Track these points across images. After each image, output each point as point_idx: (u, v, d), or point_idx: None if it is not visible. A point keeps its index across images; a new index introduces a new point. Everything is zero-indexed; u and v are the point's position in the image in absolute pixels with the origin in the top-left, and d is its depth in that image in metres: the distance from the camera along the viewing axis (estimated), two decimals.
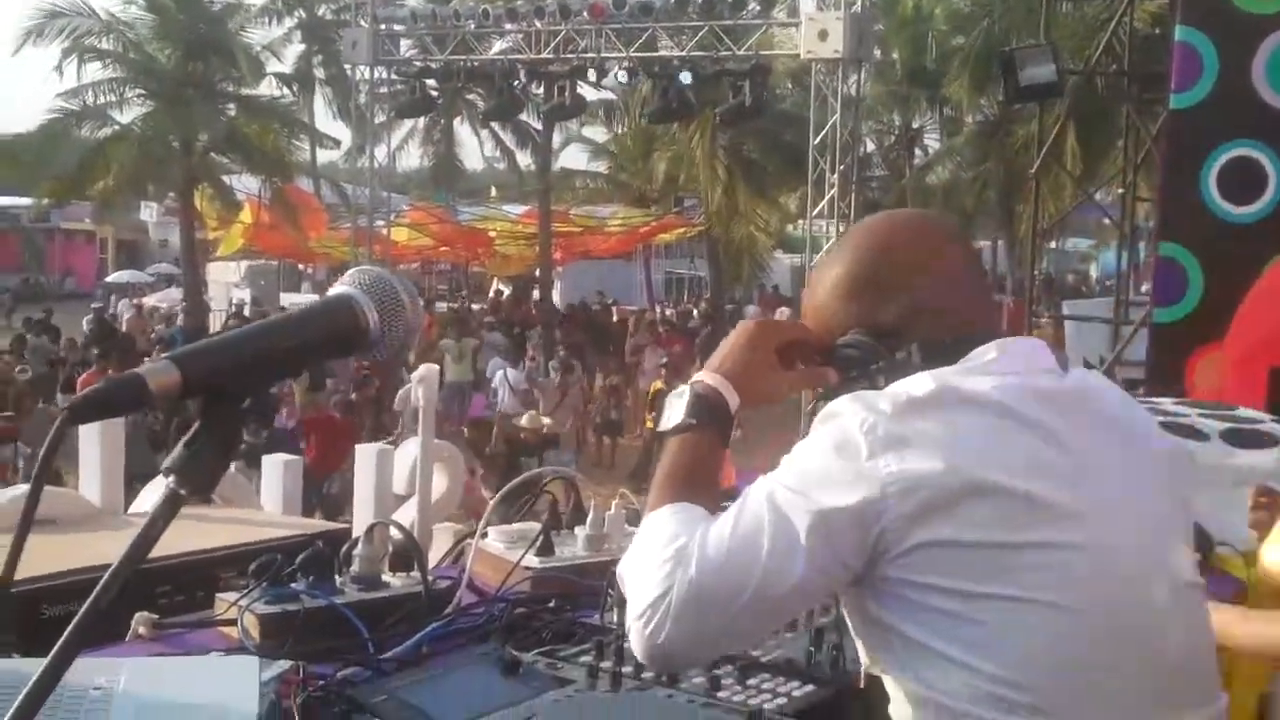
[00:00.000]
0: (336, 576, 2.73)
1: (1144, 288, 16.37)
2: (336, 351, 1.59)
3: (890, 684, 1.96)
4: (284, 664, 2.25)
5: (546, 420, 17.73)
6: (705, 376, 2.10)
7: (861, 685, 2.25)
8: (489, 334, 27.40)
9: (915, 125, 43.36)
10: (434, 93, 25.47)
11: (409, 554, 2.80)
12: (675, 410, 2.07)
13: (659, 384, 21.16)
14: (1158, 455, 2.07)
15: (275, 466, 5.02)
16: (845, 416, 1.87)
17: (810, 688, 2.24)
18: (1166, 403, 4.12)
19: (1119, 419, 2.04)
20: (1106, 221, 20.47)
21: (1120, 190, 14.95)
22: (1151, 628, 1.91)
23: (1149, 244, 15.78)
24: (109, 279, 47.65)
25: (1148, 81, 14.07)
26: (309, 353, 1.54)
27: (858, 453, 1.83)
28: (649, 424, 20.69)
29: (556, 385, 19.84)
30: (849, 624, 2.02)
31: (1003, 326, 2.16)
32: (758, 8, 20.74)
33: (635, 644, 1.85)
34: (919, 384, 1.90)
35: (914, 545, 1.82)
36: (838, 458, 1.85)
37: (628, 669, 2.25)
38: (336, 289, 1.57)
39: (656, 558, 1.86)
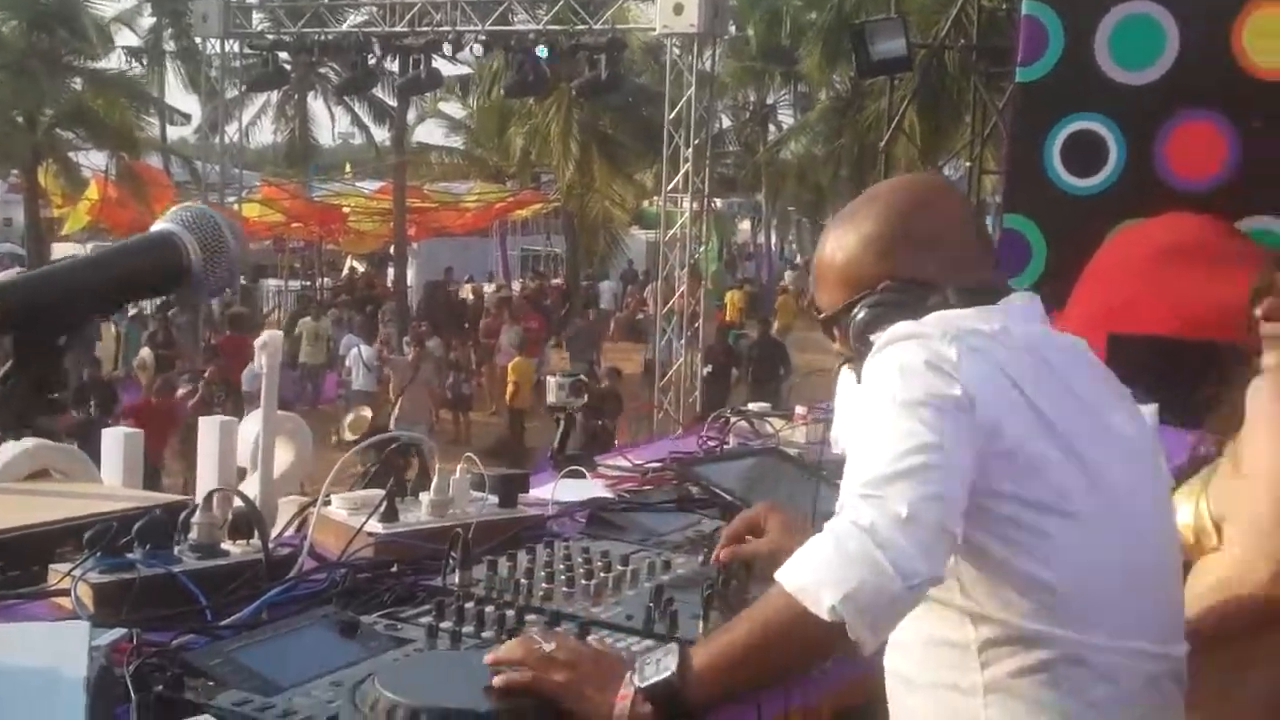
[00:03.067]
0: (175, 545, 2.69)
1: None
2: (157, 287, 1.56)
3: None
4: (117, 631, 2.21)
5: (366, 413, 17.76)
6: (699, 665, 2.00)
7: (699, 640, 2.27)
8: (345, 311, 27.14)
9: (770, 101, 43.76)
10: (287, 66, 25.09)
11: (249, 522, 2.76)
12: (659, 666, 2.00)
13: (517, 360, 21.13)
14: (1137, 410, 2.29)
15: (115, 440, 4.89)
16: (908, 349, 2.04)
17: (648, 643, 2.25)
18: None
19: (1106, 377, 2.28)
20: None
21: (968, 164, 15.19)
22: (1165, 562, 2.19)
23: (996, 217, 16.06)
24: None
25: (995, 55, 14.31)
26: (128, 287, 1.51)
27: (939, 366, 2.01)
28: (508, 401, 20.68)
29: (410, 361, 19.69)
30: None
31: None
32: None
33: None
34: (967, 317, 2.11)
35: (993, 452, 2.00)
36: (926, 372, 2.01)
37: (468, 628, 2.25)
38: (158, 225, 1.53)
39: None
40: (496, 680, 1.95)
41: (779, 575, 1.98)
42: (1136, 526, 2.11)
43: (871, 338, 2.15)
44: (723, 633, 2.03)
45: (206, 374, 18.26)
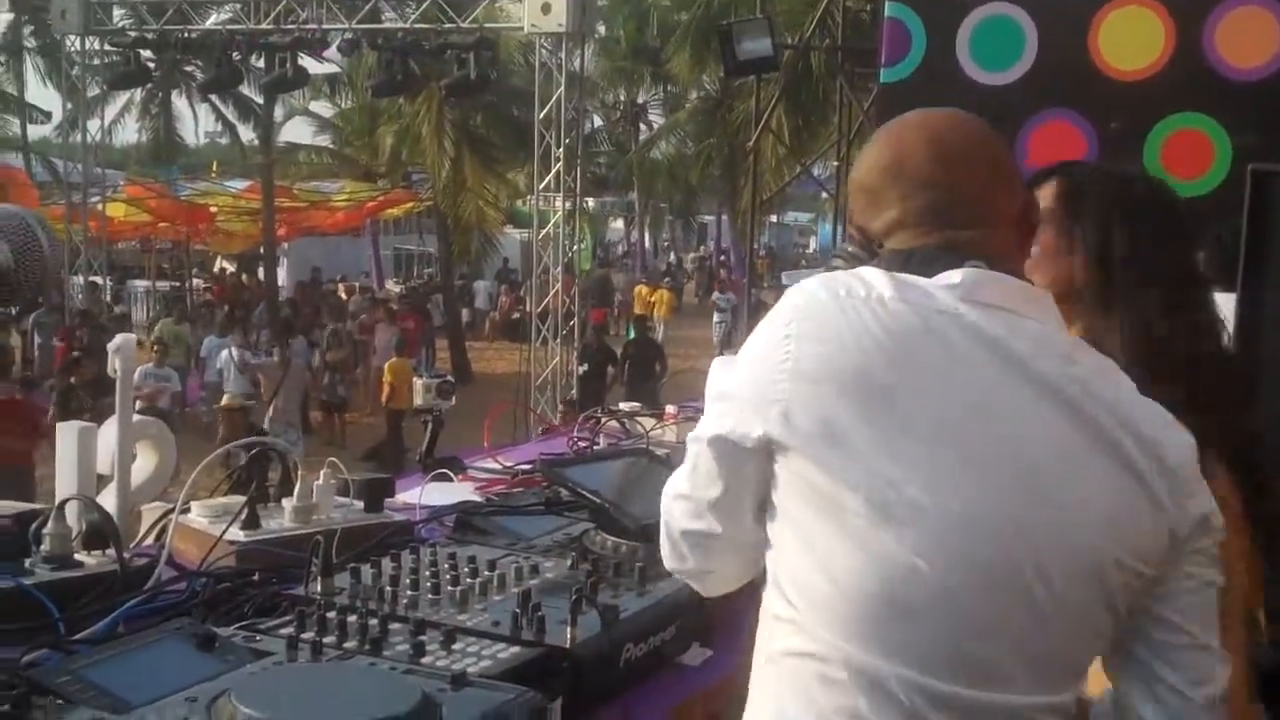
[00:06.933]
0: (26, 558, 2.61)
1: None
2: None
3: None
4: None
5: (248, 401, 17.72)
6: None
7: (568, 645, 2.25)
8: (211, 313, 26.70)
9: (640, 101, 43.90)
10: (150, 64, 24.62)
11: (104, 531, 2.69)
12: None
13: (393, 360, 20.93)
14: (1095, 451, 1.90)
15: None
16: (763, 326, 1.98)
17: (516, 649, 2.22)
18: None
19: (1056, 387, 1.91)
20: (825, 196, 21.00)
21: (835, 164, 15.33)
22: (981, 598, 1.84)
23: None
24: None
25: (860, 56, 14.44)
26: None
27: (774, 333, 1.94)
28: (384, 402, 20.46)
29: (278, 362, 19.41)
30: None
31: (1001, 245, 2.05)
32: None
33: None
34: (862, 277, 1.94)
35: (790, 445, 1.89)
36: (762, 338, 1.96)
37: (329, 639, 2.21)
38: None
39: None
40: None
41: None
42: (945, 544, 1.83)
43: None
44: None
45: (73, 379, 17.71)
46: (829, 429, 1.86)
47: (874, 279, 1.93)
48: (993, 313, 1.92)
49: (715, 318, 32.06)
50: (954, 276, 1.94)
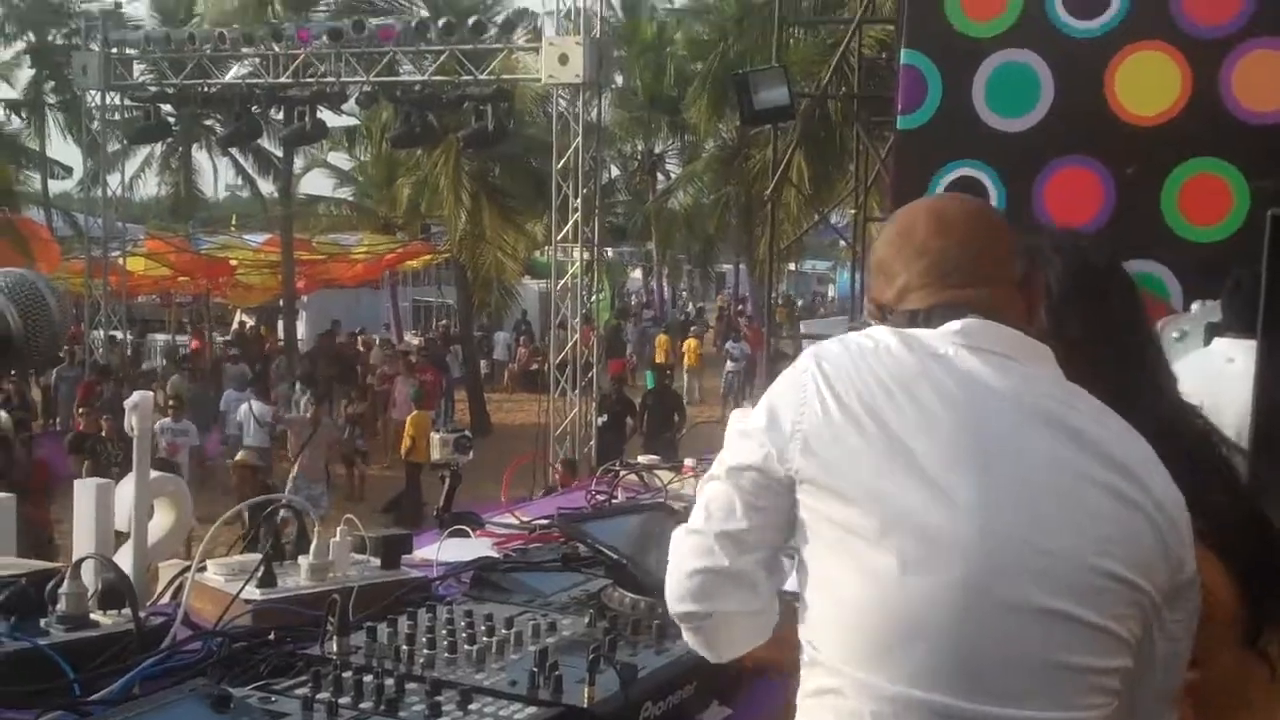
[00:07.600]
0: (42, 618, 2.60)
1: None
2: None
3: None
4: None
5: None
6: None
7: (585, 705, 2.23)
8: (230, 367, 26.71)
9: (657, 151, 44.00)
10: (170, 118, 24.79)
11: (120, 591, 2.67)
12: None
13: (415, 413, 20.91)
14: (1092, 479, 1.99)
15: None
16: (782, 378, 2.13)
17: (533, 709, 2.20)
18: None
19: (1045, 424, 2.02)
20: (843, 244, 21.02)
21: (853, 211, 15.35)
22: (967, 619, 1.92)
23: None
24: None
25: (877, 104, 14.47)
26: None
27: (794, 379, 2.09)
28: (404, 455, 20.42)
29: (309, 417, 19.36)
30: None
31: (1002, 303, 2.18)
32: (498, 32, 20.61)
33: None
34: (867, 332, 2.14)
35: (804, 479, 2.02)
36: (783, 383, 2.11)
37: (345, 699, 2.19)
38: None
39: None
40: None
41: None
42: (955, 575, 1.92)
43: None
44: None
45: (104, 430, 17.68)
46: (841, 461, 2.00)
47: (880, 335, 2.12)
48: (989, 357, 2.08)
49: (728, 366, 31.98)
50: (954, 325, 2.11)
